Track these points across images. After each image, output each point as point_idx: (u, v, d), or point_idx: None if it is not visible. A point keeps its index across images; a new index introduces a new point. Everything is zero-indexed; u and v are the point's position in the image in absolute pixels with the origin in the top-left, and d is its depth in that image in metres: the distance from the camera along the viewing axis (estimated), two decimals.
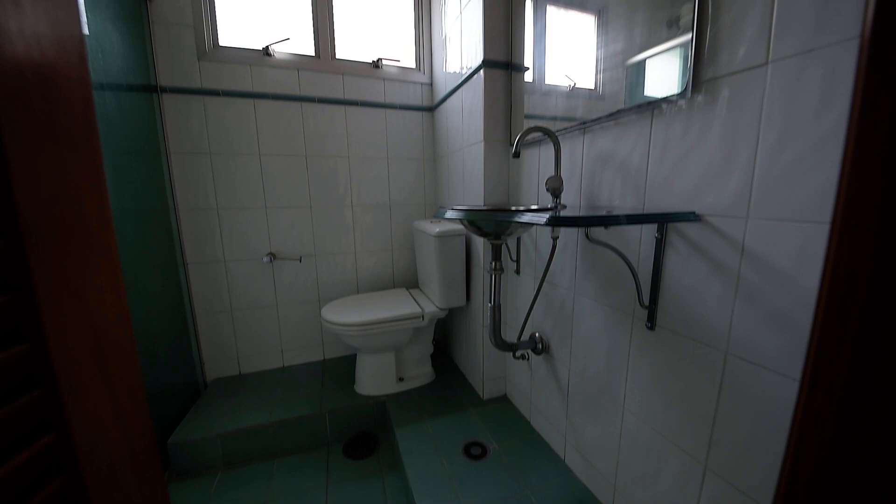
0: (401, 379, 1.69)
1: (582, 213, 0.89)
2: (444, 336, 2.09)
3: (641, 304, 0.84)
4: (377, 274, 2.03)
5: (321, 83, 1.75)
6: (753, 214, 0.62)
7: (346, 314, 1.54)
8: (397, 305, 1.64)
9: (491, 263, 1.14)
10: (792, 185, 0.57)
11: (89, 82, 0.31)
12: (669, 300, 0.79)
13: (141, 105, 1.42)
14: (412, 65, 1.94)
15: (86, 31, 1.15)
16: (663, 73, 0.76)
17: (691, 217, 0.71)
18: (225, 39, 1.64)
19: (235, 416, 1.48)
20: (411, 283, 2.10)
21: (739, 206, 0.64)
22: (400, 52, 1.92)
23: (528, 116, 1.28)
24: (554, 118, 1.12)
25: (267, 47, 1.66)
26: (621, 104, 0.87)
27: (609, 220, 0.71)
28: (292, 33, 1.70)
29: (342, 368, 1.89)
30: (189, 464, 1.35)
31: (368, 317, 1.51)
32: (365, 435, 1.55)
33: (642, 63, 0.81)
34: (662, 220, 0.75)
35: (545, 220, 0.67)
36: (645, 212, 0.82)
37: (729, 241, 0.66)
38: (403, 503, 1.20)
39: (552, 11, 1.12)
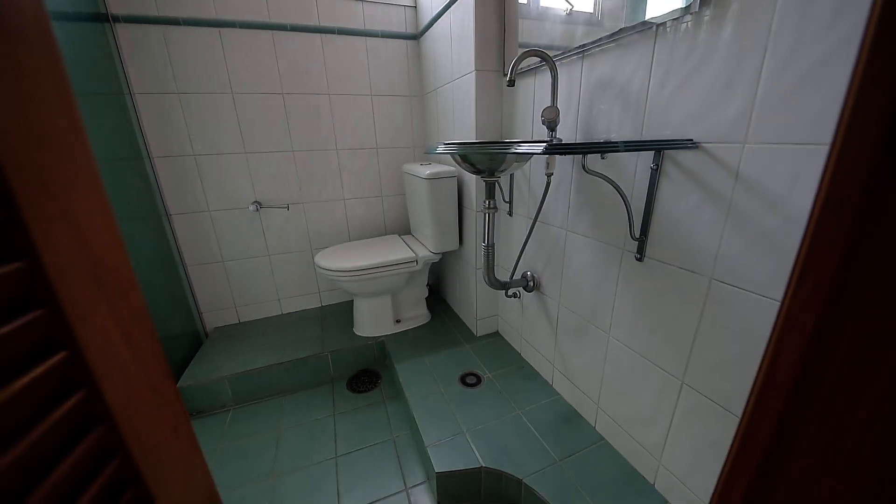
0: (398, 321, 1.76)
1: None
2: (438, 280, 2.14)
3: (632, 237, 0.86)
4: (368, 221, 2.01)
5: (292, 7, 1.57)
6: (751, 139, 0.62)
7: (340, 260, 1.55)
8: (391, 251, 1.65)
9: (484, 202, 1.13)
10: (793, 106, 0.56)
11: None
12: (660, 231, 0.81)
13: (92, 37, 1.27)
14: None
15: None
16: None
17: (689, 144, 0.70)
18: None
19: (241, 360, 1.54)
20: (403, 229, 2.09)
21: (738, 131, 0.63)
22: None
23: (522, 45, 1.19)
24: (550, 46, 1.05)
25: None
26: (622, 24, 0.80)
27: (606, 147, 0.69)
28: None
29: (340, 313, 1.94)
30: (201, 404, 1.42)
31: (362, 262, 1.52)
32: (367, 371, 1.64)
33: None
34: (660, 147, 0.74)
35: (542, 148, 0.65)
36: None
37: (724, 168, 0.66)
38: (406, 425, 1.32)
39: None
